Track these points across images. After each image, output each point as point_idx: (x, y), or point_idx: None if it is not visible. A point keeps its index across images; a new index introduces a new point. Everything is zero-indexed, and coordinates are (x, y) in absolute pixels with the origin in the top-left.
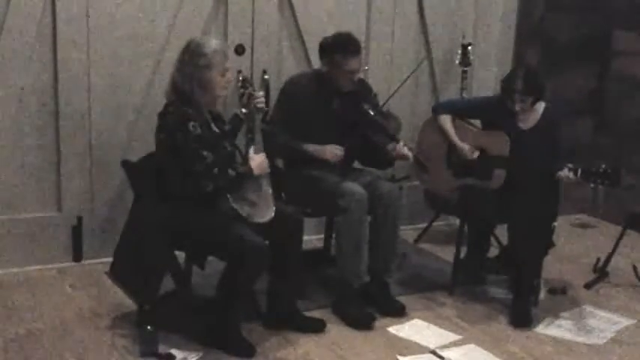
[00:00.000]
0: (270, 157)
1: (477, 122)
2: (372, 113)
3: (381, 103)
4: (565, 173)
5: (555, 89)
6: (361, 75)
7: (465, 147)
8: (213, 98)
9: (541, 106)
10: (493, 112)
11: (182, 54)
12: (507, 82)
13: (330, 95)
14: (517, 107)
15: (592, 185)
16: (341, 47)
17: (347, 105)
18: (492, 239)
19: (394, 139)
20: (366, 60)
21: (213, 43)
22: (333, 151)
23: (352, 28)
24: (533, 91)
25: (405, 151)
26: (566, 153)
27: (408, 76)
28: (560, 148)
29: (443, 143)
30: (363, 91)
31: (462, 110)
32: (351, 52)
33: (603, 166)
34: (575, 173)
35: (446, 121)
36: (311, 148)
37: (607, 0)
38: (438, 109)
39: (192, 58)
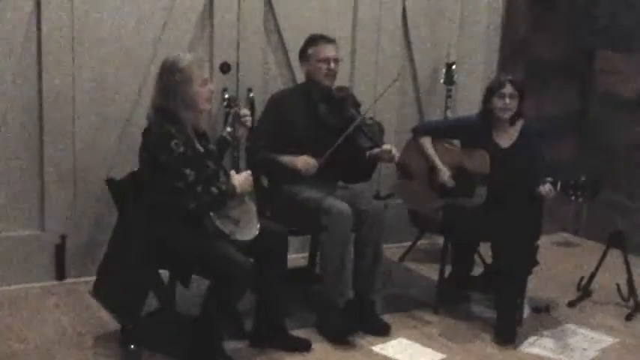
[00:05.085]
0: (255, 174)
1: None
2: (357, 118)
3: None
4: (545, 188)
5: (538, 108)
6: (343, 83)
7: (445, 173)
8: (198, 113)
9: (519, 124)
10: (472, 132)
11: (159, 75)
12: (496, 79)
13: (315, 102)
14: (505, 101)
15: (572, 198)
16: (311, 40)
17: (332, 110)
18: (476, 257)
19: (377, 145)
20: (350, 77)
21: (187, 57)
22: (306, 161)
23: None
24: (521, 86)
25: (392, 149)
26: (547, 170)
27: (381, 95)
28: (540, 165)
29: (424, 164)
30: (348, 98)
31: (441, 131)
32: (322, 39)
33: (583, 178)
34: (555, 187)
35: (426, 142)
36: (285, 159)
37: (590, 19)
38: (417, 131)
39: (169, 75)
